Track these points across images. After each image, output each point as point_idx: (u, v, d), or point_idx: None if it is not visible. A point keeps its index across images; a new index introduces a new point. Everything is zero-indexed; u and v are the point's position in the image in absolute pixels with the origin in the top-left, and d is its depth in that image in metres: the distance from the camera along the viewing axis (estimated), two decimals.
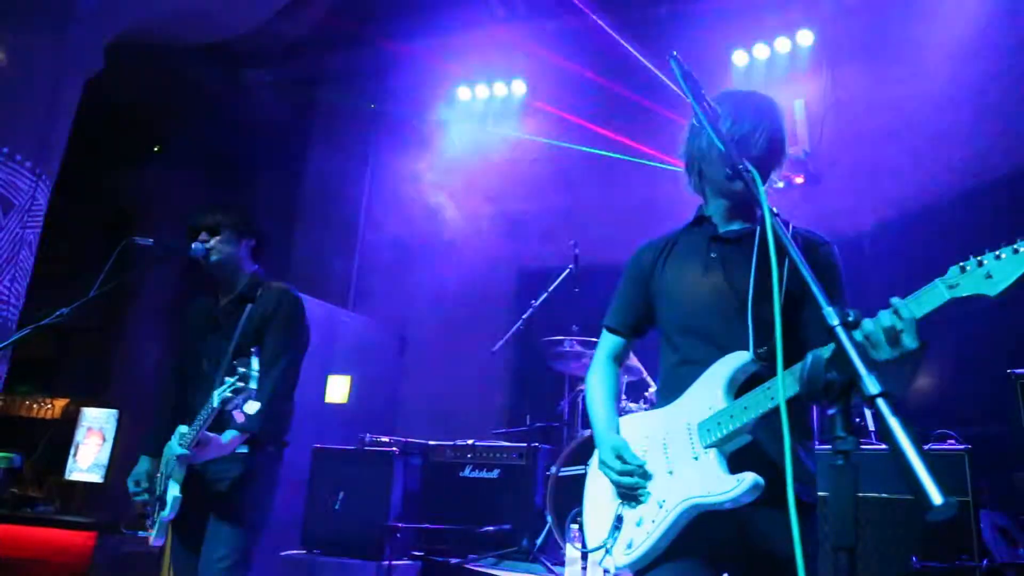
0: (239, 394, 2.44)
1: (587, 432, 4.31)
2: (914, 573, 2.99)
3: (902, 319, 1.38)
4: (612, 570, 1.79)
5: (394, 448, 4.52)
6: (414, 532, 4.47)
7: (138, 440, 3.05)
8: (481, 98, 7.46)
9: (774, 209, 1.29)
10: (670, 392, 1.88)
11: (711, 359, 1.78)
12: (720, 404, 1.71)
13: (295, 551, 4.50)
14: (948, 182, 5.09)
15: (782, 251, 1.35)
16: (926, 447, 3.27)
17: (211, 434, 2.60)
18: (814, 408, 3.47)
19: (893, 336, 1.37)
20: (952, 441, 3.28)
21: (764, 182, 1.71)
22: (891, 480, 3.13)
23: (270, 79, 8.29)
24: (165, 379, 3.14)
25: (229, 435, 2.66)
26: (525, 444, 4.50)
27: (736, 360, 1.75)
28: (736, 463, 1.69)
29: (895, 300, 1.42)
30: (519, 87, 7.31)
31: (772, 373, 1.62)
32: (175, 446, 2.63)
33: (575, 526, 3.56)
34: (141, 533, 2.89)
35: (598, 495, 1.92)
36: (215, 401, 2.48)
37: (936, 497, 0.87)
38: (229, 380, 2.46)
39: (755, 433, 1.68)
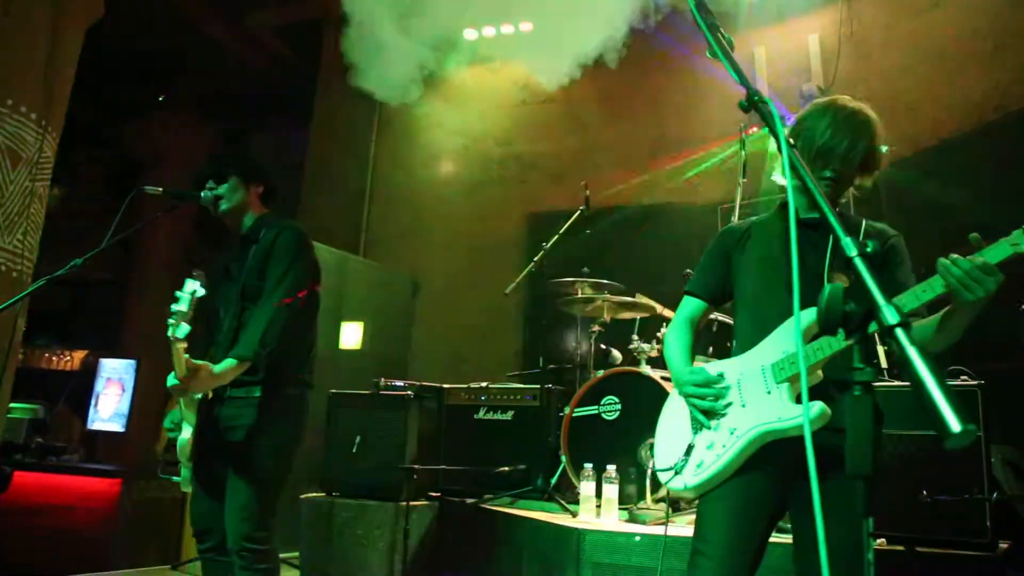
0: None
1: (599, 373, 4.34)
2: (924, 506, 3.02)
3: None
4: (683, 488, 1.97)
5: (409, 392, 4.57)
6: (430, 473, 4.55)
7: (158, 389, 3.07)
8: (489, 38, 7.31)
9: (790, 140, 1.32)
10: (744, 348, 2.07)
11: (783, 321, 1.98)
12: (793, 348, 1.91)
13: (314, 494, 4.60)
14: (966, 116, 4.98)
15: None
16: None
17: (199, 362, 2.51)
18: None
19: (988, 272, 1.68)
20: (965, 377, 3.28)
21: (849, 185, 2.07)
22: (902, 416, 3.15)
23: (276, 23, 8.15)
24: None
25: (224, 364, 2.59)
26: (539, 386, 4.54)
27: (807, 316, 1.90)
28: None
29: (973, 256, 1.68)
30: (527, 27, 7.14)
31: None
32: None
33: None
34: (175, 479, 2.88)
35: (671, 428, 2.12)
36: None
37: (955, 424, 0.87)
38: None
39: (824, 372, 1.88)
